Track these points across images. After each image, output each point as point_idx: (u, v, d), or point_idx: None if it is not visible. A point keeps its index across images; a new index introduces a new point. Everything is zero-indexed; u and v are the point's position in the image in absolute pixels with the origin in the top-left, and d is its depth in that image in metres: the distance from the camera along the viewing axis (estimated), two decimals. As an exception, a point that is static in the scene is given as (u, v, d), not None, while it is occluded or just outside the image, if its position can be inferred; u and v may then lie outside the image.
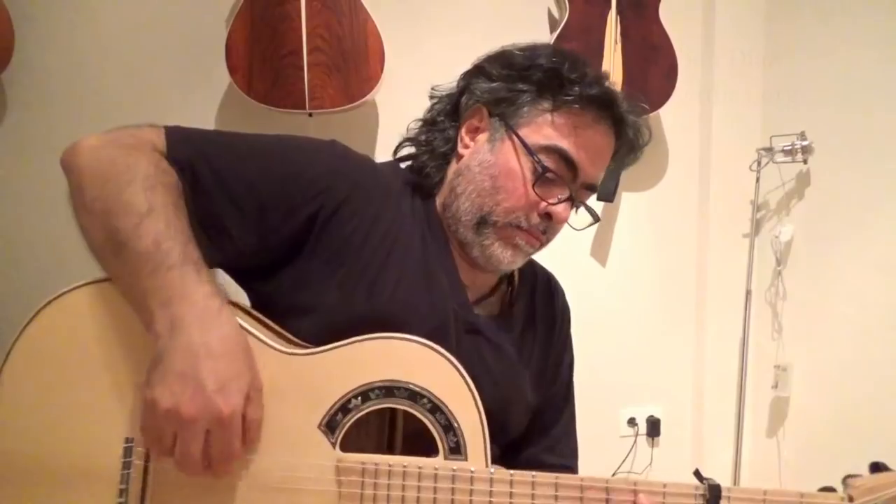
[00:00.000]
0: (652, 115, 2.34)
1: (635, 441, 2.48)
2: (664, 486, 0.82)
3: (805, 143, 2.29)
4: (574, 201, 0.92)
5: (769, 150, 2.38)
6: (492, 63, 0.96)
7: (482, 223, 0.91)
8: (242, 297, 0.93)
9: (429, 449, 0.81)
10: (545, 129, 0.90)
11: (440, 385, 0.79)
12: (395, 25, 2.05)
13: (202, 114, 2.22)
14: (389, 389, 0.79)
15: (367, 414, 0.80)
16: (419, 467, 0.79)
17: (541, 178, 0.89)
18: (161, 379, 0.70)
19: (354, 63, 1.95)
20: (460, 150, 0.96)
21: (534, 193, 0.90)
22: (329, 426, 0.79)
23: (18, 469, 0.77)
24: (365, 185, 0.89)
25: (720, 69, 2.47)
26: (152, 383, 0.71)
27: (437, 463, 0.79)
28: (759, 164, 2.39)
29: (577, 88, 0.89)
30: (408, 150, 1.02)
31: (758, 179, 2.41)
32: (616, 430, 2.50)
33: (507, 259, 0.93)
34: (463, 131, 0.96)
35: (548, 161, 0.90)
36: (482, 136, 0.94)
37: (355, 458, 0.79)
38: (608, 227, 2.53)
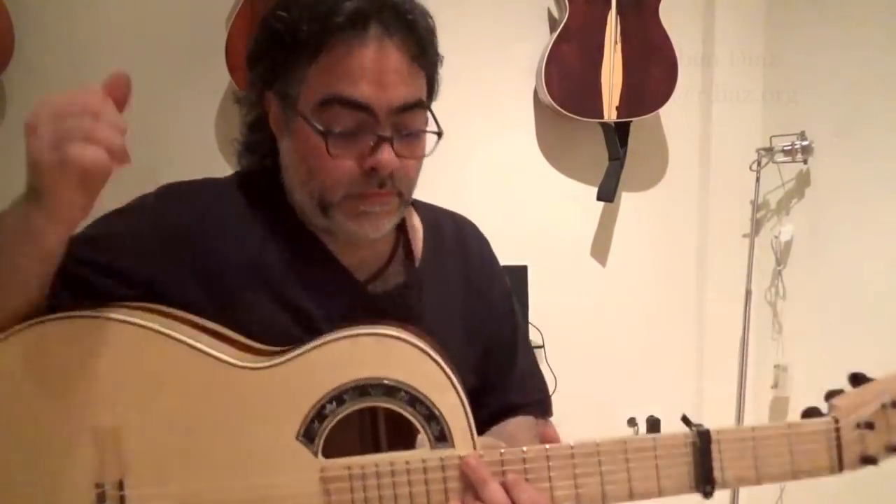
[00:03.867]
0: (652, 115, 2.35)
1: (635, 441, 2.48)
2: (654, 439, 0.80)
3: (805, 143, 2.29)
4: (391, 139, 0.81)
5: (769, 150, 2.38)
6: (252, 42, 0.87)
7: (324, 207, 0.84)
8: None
9: (412, 437, 0.79)
10: (313, 84, 0.81)
11: (414, 374, 0.76)
12: (395, 25, 2.05)
13: (202, 114, 2.21)
14: (363, 388, 0.76)
15: (344, 416, 0.77)
16: (406, 462, 0.76)
17: (330, 139, 0.80)
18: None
19: (354, 63, 1.95)
20: (279, 145, 0.89)
21: (335, 160, 0.81)
22: (307, 436, 0.75)
23: None
24: (200, 233, 0.85)
25: (720, 69, 2.47)
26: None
27: (424, 454, 0.76)
28: (759, 164, 2.39)
29: (316, 25, 0.79)
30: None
31: (758, 179, 2.41)
32: (616, 430, 2.49)
33: (366, 230, 0.85)
34: (272, 125, 0.88)
35: (331, 116, 0.80)
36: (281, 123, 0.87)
37: (340, 464, 0.75)
38: (608, 227, 2.53)
